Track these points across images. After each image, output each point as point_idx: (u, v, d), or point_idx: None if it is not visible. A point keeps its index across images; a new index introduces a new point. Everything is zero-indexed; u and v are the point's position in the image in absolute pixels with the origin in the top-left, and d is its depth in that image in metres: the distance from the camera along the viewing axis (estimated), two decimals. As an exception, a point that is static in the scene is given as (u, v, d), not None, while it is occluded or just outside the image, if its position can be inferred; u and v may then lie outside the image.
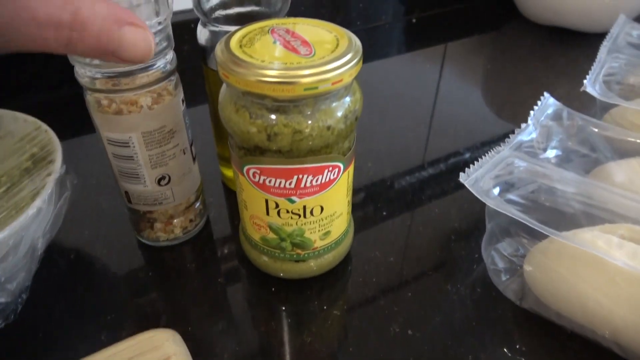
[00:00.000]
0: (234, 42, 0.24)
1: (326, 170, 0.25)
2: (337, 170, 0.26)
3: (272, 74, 0.21)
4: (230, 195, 0.38)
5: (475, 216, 0.36)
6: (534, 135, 0.35)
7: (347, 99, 0.24)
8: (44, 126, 0.32)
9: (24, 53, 0.18)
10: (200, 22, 0.32)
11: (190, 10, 0.54)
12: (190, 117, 0.31)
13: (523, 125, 0.35)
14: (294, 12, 0.31)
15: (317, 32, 0.25)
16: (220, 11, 0.30)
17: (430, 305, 0.30)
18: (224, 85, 0.26)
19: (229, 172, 0.38)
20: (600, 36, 0.63)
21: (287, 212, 0.26)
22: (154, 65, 0.27)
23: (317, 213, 0.27)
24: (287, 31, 0.25)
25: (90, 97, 0.27)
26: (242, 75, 0.22)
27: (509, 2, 0.70)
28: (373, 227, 0.35)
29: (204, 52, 0.33)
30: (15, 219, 0.25)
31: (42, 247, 0.27)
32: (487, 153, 0.31)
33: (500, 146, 0.33)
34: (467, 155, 0.43)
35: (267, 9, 0.30)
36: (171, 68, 0.28)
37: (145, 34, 0.19)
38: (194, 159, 0.32)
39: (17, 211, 0.26)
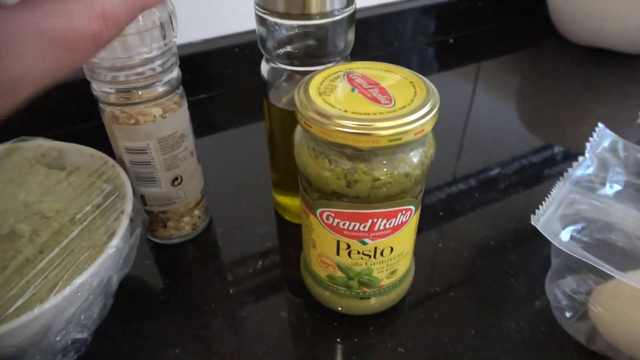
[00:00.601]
0: (312, 88, 0.24)
1: (400, 214, 0.25)
2: (409, 212, 0.26)
3: (355, 125, 0.22)
4: (282, 224, 0.39)
5: (531, 249, 0.36)
6: (591, 169, 0.35)
7: (424, 145, 0.25)
8: (111, 161, 0.33)
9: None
10: (264, 57, 0.32)
11: (231, 36, 0.56)
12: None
13: (580, 158, 0.35)
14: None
15: (392, 78, 0.25)
16: (282, 49, 0.31)
17: (495, 344, 0.30)
18: (298, 129, 0.26)
19: (283, 199, 0.38)
20: (641, 58, 0.62)
21: (358, 253, 0.27)
22: (161, 81, 0.30)
23: (387, 254, 0.27)
24: (363, 77, 0.25)
25: (107, 111, 0.30)
26: (325, 125, 0.22)
27: (547, 22, 0.69)
28: (430, 261, 0.35)
29: (266, 86, 0.33)
30: (96, 259, 0.26)
31: (117, 283, 0.28)
32: (551, 190, 0.31)
33: (560, 180, 0.33)
34: (514, 179, 0.43)
35: (332, 49, 0.30)
36: (177, 82, 0.31)
37: None
38: (198, 159, 0.35)
39: (95, 250, 0.27)
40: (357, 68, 0.26)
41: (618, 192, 0.34)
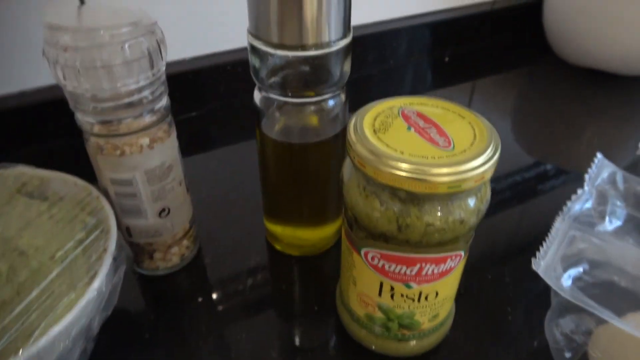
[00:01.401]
0: (367, 125, 0.23)
1: (449, 259, 0.24)
2: (458, 258, 0.25)
3: (412, 168, 0.20)
4: (274, 254, 0.38)
5: (529, 284, 0.35)
6: (590, 202, 0.34)
7: (481, 190, 0.23)
8: (95, 192, 0.31)
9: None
10: (256, 85, 0.31)
11: (223, 53, 0.55)
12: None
13: (579, 191, 0.35)
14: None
15: (449, 117, 0.24)
16: (275, 79, 0.30)
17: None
18: (347, 164, 0.25)
19: (274, 228, 0.37)
20: (638, 80, 0.62)
21: (402, 295, 0.25)
22: (152, 109, 0.29)
23: (432, 298, 0.26)
24: (419, 115, 0.24)
25: (91, 142, 0.29)
26: (380, 167, 0.21)
27: (543, 42, 0.69)
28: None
29: (258, 115, 0.32)
30: (76, 304, 0.24)
31: (98, 326, 0.27)
32: (550, 231, 0.30)
33: (559, 215, 0.32)
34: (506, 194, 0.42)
35: (327, 79, 0.29)
36: (166, 111, 0.30)
37: None
38: (187, 189, 0.34)
39: (76, 293, 0.26)
40: (412, 104, 0.25)
41: (619, 228, 0.34)
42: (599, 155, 0.37)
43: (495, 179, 0.45)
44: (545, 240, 0.29)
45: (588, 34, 0.60)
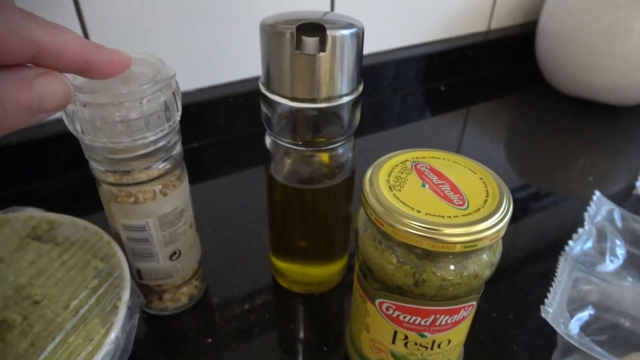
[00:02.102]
0: (382, 181, 0.24)
1: (462, 310, 0.25)
2: (471, 308, 0.25)
3: (429, 228, 0.21)
4: (280, 291, 0.38)
5: (534, 321, 0.36)
6: (590, 242, 0.35)
7: (493, 245, 0.24)
8: (106, 236, 0.32)
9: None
10: (267, 131, 0.32)
11: (224, 85, 0.55)
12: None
13: (580, 230, 0.36)
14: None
15: (461, 171, 0.25)
16: (286, 128, 0.30)
17: None
18: (361, 215, 0.26)
19: (280, 264, 0.38)
20: (629, 110, 0.64)
21: (416, 344, 0.26)
22: (166, 158, 0.29)
23: (444, 346, 0.26)
24: (432, 170, 0.25)
25: (105, 189, 0.29)
26: (398, 225, 0.21)
27: (535, 72, 0.71)
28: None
29: (268, 157, 0.33)
30: (93, 356, 0.24)
31: (113, 376, 0.27)
32: (555, 273, 0.31)
33: (561, 256, 0.33)
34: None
35: (337, 129, 0.30)
36: (180, 158, 0.31)
37: (57, 79, 0.18)
38: (196, 230, 0.34)
39: (92, 346, 0.26)
40: (424, 157, 0.26)
41: (619, 267, 0.35)
42: (597, 193, 0.38)
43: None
44: (552, 283, 0.30)
45: (579, 65, 0.62)
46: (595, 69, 0.61)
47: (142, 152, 0.27)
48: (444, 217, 0.22)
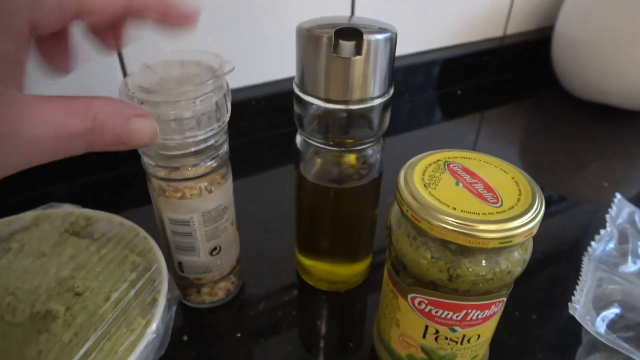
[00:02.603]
0: (417, 180, 0.25)
1: (493, 305, 0.25)
2: (501, 304, 0.26)
3: (464, 224, 0.22)
4: (306, 288, 0.39)
5: (557, 321, 0.36)
6: (612, 243, 0.36)
7: (525, 242, 0.25)
8: (142, 232, 0.33)
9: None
10: (298, 130, 0.33)
11: (247, 88, 0.56)
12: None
13: (602, 232, 0.36)
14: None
15: (493, 171, 0.25)
16: (318, 127, 0.31)
17: None
18: (395, 212, 0.27)
19: (306, 262, 0.39)
20: (644, 115, 0.64)
21: (446, 338, 0.27)
22: (214, 156, 0.30)
23: (474, 341, 0.27)
24: (465, 170, 0.25)
25: (154, 183, 0.30)
26: (434, 221, 0.22)
27: (551, 77, 0.71)
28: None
29: (298, 156, 0.34)
30: (136, 347, 0.25)
31: (152, 366, 0.28)
32: (580, 273, 0.31)
33: (584, 256, 0.34)
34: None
35: (367, 131, 0.31)
36: (226, 157, 0.32)
37: (149, 122, 0.22)
38: (237, 228, 0.35)
39: (134, 336, 0.27)
40: (456, 157, 0.27)
41: (641, 268, 0.35)
42: (618, 195, 0.39)
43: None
44: (577, 282, 0.30)
45: (595, 69, 0.62)
46: (611, 74, 0.61)
47: (192, 149, 0.28)
48: (478, 214, 0.22)
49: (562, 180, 0.53)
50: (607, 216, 0.37)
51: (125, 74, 0.48)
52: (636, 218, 0.38)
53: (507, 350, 0.34)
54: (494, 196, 0.24)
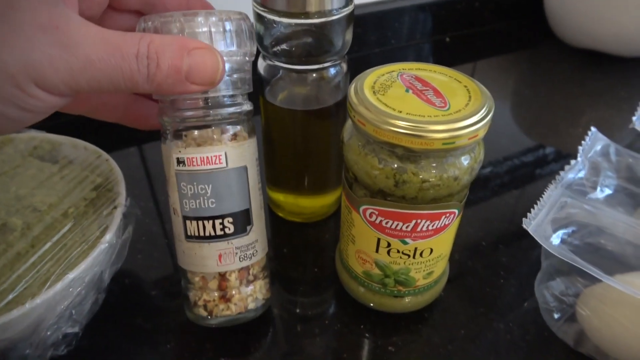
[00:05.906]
0: (367, 87, 0.24)
1: (443, 216, 0.25)
2: (452, 216, 0.26)
3: (409, 126, 0.22)
4: (276, 220, 0.39)
5: (522, 250, 0.36)
6: (582, 173, 0.35)
7: (475, 149, 0.24)
8: (105, 155, 0.33)
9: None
10: (260, 54, 0.32)
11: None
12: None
13: (572, 162, 0.36)
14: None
15: (445, 81, 0.25)
16: (279, 47, 0.31)
17: (485, 345, 0.30)
18: (348, 126, 0.26)
19: (277, 196, 0.38)
20: (637, 61, 0.63)
21: (398, 252, 0.27)
22: (241, 105, 0.26)
23: (427, 255, 0.27)
24: (417, 78, 0.25)
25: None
26: (379, 125, 0.22)
27: (544, 24, 0.70)
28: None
29: (262, 83, 0.33)
30: (88, 254, 0.26)
31: (108, 278, 0.28)
32: (543, 192, 0.31)
33: (551, 184, 0.34)
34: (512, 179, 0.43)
35: (329, 47, 0.30)
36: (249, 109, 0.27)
37: (212, 54, 0.21)
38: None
39: (88, 245, 0.27)
40: (411, 69, 0.26)
41: (609, 196, 0.35)
42: (592, 129, 0.38)
43: (492, 157, 0.47)
44: (537, 204, 0.30)
45: (588, 16, 0.61)
46: (604, 19, 0.59)
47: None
48: (424, 116, 0.22)
49: (555, 131, 0.52)
50: (580, 148, 0.36)
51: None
52: (610, 150, 0.38)
53: (471, 276, 0.34)
54: (442, 101, 0.23)
